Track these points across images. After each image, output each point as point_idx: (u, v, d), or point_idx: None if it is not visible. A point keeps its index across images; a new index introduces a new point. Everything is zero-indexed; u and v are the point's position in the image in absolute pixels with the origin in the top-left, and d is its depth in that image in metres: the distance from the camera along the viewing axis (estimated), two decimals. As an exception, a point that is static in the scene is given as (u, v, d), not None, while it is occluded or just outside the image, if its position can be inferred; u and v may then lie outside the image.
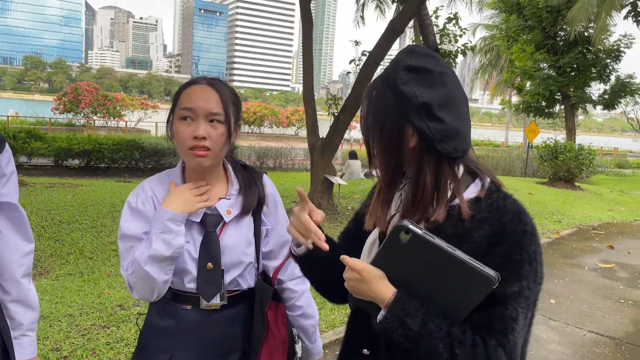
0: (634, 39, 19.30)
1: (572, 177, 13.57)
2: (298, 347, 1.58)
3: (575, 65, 19.11)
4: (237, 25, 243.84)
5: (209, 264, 1.43)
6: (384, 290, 1.07)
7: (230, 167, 1.55)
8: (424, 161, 1.08)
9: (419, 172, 1.09)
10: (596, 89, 20.92)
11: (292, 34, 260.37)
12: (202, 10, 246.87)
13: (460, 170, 1.12)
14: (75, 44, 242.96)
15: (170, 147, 17.74)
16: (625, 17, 7.80)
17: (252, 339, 1.49)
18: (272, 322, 1.50)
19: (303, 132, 37.71)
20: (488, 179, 1.12)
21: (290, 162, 21.40)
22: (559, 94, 19.82)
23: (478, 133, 51.20)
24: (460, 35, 10.40)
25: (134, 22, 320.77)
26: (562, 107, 20.58)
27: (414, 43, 13.64)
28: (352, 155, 13.36)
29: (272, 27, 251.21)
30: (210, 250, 1.43)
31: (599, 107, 21.30)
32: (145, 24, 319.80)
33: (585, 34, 19.13)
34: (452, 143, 1.06)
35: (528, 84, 20.77)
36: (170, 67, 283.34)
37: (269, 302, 1.50)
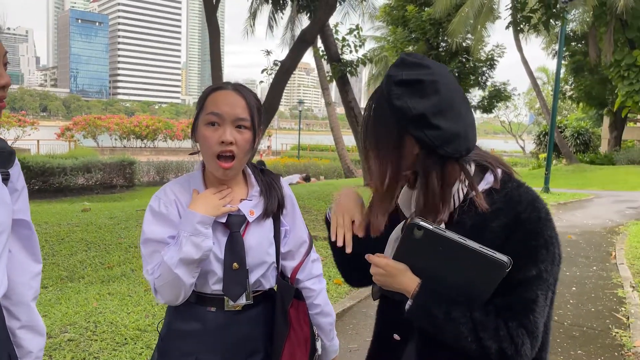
0: (505, 48, 21.46)
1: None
2: (318, 345, 1.61)
3: (456, 74, 20.71)
4: (119, 36, 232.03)
5: (235, 263, 1.44)
6: (409, 282, 1.16)
7: (249, 171, 1.57)
8: (429, 165, 1.14)
9: (427, 176, 1.15)
10: (473, 95, 22.89)
11: (179, 44, 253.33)
12: (80, 20, 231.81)
13: (472, 166, 1.19)
14: None
15: (61, 165, 16.53)
16: (507, 27, 8.66)
17: (273, 337, 1.51)
18: (295, 320, 1.52)
19: (200, 145, 36.89)
20: (499, 170, 1.20)
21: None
22: (445, 100, 21.34)
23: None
24: (360, 46, 10.87)
25: None
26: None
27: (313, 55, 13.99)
28: (260, 165, 13.35)
29: (157, 37, 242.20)
30: (235, 250, 1.44)
31: (478, 112, 23.29)
32: (14, 34, 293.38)
33: (464, 44, 20.84)
34: (452, 145, 1.12)
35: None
36: (46, 80, 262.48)
37: (291, 301, 1.53)
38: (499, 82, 21.84)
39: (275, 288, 1.59)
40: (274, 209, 1.53)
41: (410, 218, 1.15)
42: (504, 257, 1.06)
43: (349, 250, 1.18)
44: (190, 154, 1.58)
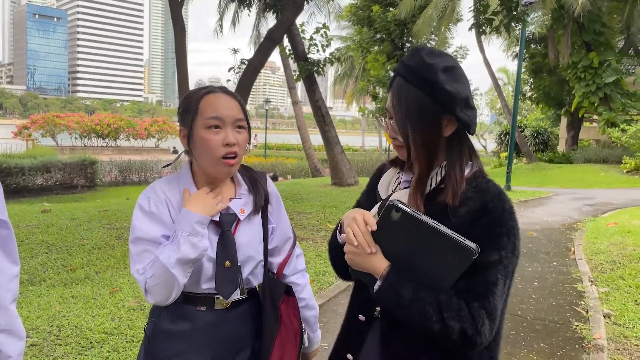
0: (468, 50, 21.95)
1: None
2: (305, 337, 1.65)
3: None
4: (78, 32, 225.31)
5: (227, 262, 1.46)
6: (379, 263, 1.20)
7: None
8: (463, 145, 1.26)
9: (461, 155, 1.25)
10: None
11: (141, 41, 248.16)
12: (37, 16, 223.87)
13: None
14: None
15: (18, 165, 15.94)
16: (470, 29, 8.87)
17: (263, 333, 1.54)
18: (285, 316, 1.55)
19: (165, 144, 36.18)
20: (477, 165, 1.28)
21: (157, 176, 20.48)
22: (410, 100, 21.63)
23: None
24: (327, 45, 10.92)
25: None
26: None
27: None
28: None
29: (118, 33, 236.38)
30: (227, 248, 1.47)
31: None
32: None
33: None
34: (475, 126, 1.25)
35: (381, 91, 22.35)
36: (1, 77, 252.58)
37: (282, 297, 1.55)
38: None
39: (257, 286, 1.61)
40: (262, 204, 1.57)
41: (389, 200, 1.19)
42: (472, 245, 1.11)
43: (374, 250, 1.20)
44: (165, 166, 1.62)
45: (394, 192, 1.34)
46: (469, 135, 1.29)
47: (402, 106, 1.24)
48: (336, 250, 1.39)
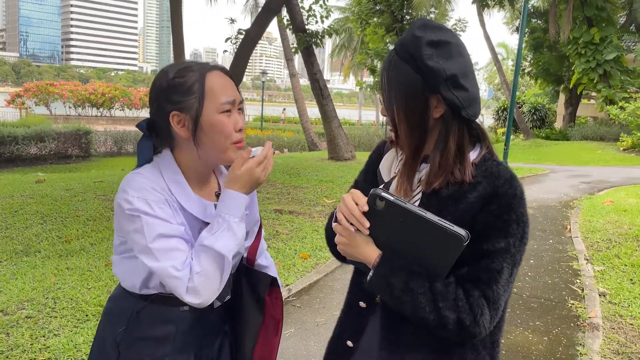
0: (467, 22, 21.66)
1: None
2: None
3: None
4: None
5: None
6: (370, 253, 1.17)
7: None
8: (450, 128, 1.16)
9: (446, 138, 1.16)
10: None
11: (136, 9, 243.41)
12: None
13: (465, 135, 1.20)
14: None
15: (12, 134, 15.72)
16: (473, 2, 8.69)
17: (244, 326, 1.45)
18: (270, 307, 1.49)
19: (159, 115, 35.86)
20: (486, 147, 1.22)
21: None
22: (408, 73, 21.43)
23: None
24: (327, 17, 10.70)
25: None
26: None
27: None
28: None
29: (113, 0, 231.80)
30: None
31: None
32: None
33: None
34: (472, 108, 1.15)
35: (379, 64, 22.09)
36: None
37: (267, 289, 1.46)
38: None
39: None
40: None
41: (373, 189, 1.15)
42: (461, 231, 1.07)
43: (365, 231, 1.15)
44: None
45: (397, 174, 1.28)
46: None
47: (390, 81, 1.18)
48: (332, 239, 1.33)
